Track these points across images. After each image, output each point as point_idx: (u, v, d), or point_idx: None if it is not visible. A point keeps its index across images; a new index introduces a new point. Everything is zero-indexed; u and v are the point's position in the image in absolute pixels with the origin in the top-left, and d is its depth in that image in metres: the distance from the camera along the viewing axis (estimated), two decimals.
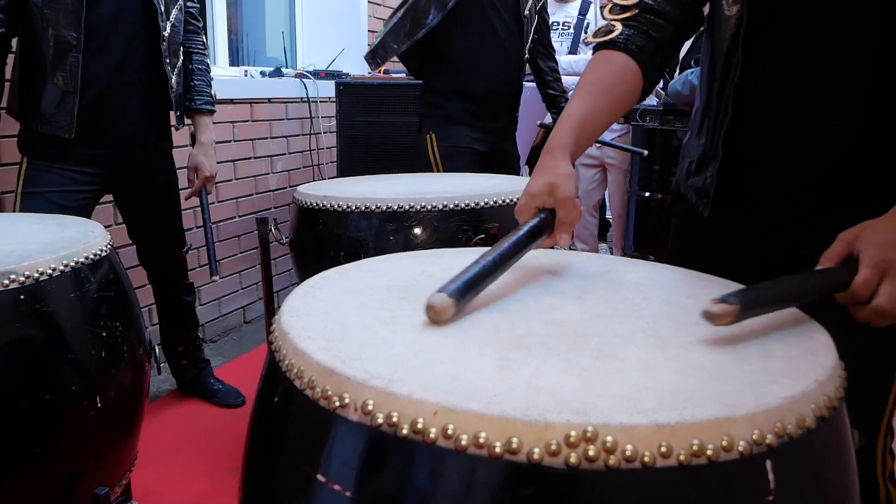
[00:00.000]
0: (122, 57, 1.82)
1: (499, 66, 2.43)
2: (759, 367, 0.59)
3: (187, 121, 2.08)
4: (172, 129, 2.06)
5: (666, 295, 0.80)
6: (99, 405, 1.12)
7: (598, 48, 1.04)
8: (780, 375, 0.57)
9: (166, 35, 1.87)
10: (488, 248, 0.82)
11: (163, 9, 1.86)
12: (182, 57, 2.00)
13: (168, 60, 1.90)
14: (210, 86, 2.11)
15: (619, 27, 1.02)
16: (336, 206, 1.58)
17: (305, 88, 3.23)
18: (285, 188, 3.23)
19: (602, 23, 1.08)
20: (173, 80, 1.93)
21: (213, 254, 2.15)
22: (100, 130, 1.81)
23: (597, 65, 1.03)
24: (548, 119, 2.88)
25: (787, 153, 1.00)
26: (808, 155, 0.98)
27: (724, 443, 0.50)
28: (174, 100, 1.95)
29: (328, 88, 3.26)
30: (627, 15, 1.02)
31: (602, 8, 1.16)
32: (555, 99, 2.68)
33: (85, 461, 1.14)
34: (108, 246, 1.22)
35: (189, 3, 2.03)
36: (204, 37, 2.12)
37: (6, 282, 0.99)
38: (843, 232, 0.77)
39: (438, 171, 2.41)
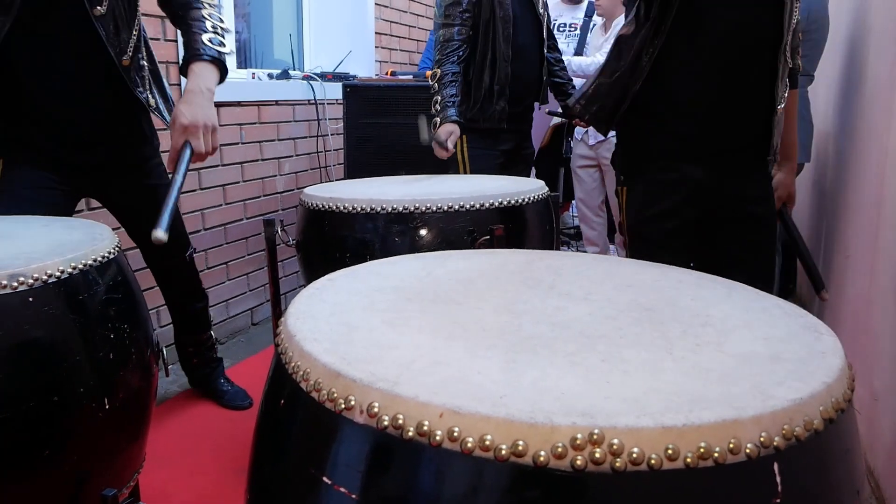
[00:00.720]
0: (63, 62, 1.67)
1: (528, 65, 2.53)
2: (767, 368, 0.59)
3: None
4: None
5: (673, 296, 0.80)
6: (107, 407, 1.12)
7: None
8: (788, 377, 0.57)
9: (98, 10, 1.64)
10: None
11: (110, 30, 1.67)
12: (137, 31, 1.78)
13: (136, 89, 1.76)
14: (216, 32, 1.75)
15: None
16: (342, 208, 1.58)
17: (312, 90, 3.24)
18: (293, 190, 3.24)
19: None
20: (152, 98, 1.82)
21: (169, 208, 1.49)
22: (53, 136, 1.73)
23: None
24: (556, 107, 2.98)
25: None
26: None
27: (731, 445, 0.50)
28: (142, 101, 1.80)
29: (335, 90, 3.27)
30: None
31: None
32: (562, 87, 2.76)
33: (93, 463, 1.14)
34: (116, 248, 1.22)
35: None
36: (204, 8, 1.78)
37: (15, 284, 1.00)
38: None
39: (465, 170, 2.49)
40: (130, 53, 1.75)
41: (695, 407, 0.52)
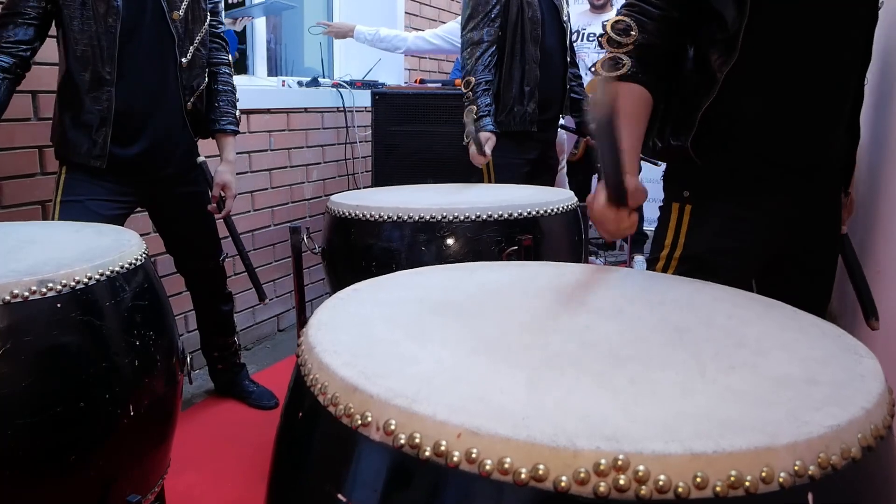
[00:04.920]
0: (146, 85, 1.85)
1: (554, 70, 2.48)
2: (802, 392, 0.56)
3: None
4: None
5: (707, 315, 0.77)
6: (132, 413, 1.12)
7: (611, 80, 1.17)
8: (825, 402, 0.54)
9: (184, 62, 1.90)
10: None
11: (182, 35, 1.88)
12: (206, 79, 2.03)
13: (184, 85, 1.92)
14: (235, 107, 2.12)
15: (626, 61, 1.17)
16: (369, 216, 1.57)
17: (341, 98, 3.25)
18: (320, 197, 3.25)
19: (600, 55, 1.24)
20: (190, 103, 1.95)
21: (256, 278, 2.18)
22: (129, 155, 1.85)
23: (624, 93, 1.15)
24: (569, 122, 2.86)
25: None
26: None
27: (764, 474, 0.48)
28: (189, 123, 1.98)
29: (364, 98, 3.28)
30: (628, 49, 1.17)
31: (599, 37, 1.27)
32: (578, 103, 2.68)
33: (118, 468, 1.14)
34: (143, 255, 1.22)
35: (213, 21, 2.05)
36: (229, 56, 2.14)
37: (44, 290, 1.00)
38: None
39: (490, 180, 2.44)
40: (189, 57, 1.93)
41: (726, 432, 0.50)
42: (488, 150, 2.23)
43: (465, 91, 2.40)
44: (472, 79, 2.36)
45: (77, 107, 1.78)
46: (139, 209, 2.05)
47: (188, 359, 1.39)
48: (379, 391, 0.56)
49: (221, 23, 2.12)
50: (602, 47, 1.22)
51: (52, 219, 1.80)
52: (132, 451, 1.17)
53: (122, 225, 1.87)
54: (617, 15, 1.22)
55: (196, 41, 1.93)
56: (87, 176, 1.81)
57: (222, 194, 2.05)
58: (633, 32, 1.17)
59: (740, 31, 1.14)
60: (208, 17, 1.98)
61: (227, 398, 2.36)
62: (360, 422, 0.56)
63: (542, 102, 2.44)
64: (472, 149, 2.22)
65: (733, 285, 0.96)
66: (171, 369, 1.27)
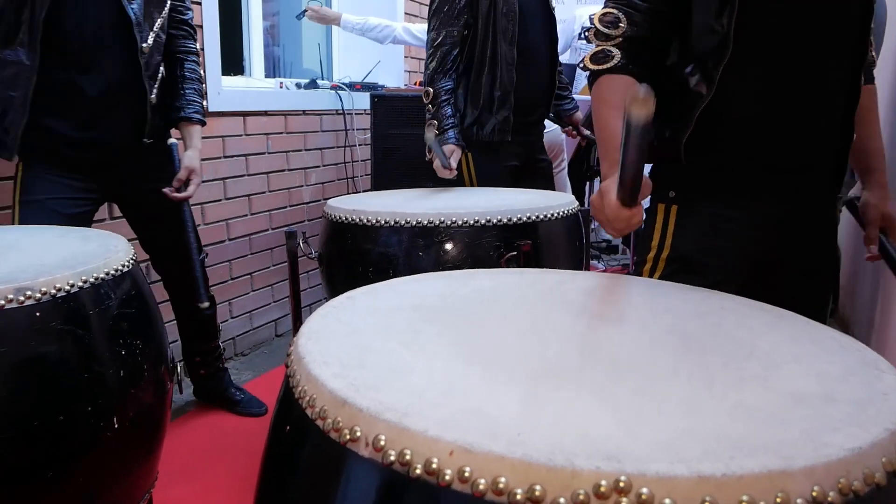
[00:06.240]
0: (98, 68, 1.76)
1: (537, 68, 2.28)
2: (820, 410, 0.53)
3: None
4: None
5: (715, 323, 0.74)
6: (116, 426, 1.08)
7: (600, 73, 1.15)
8: (845, 422, 0.51)
9: (145, 48, 1.82)
10: None
11: (140, 20, 1.80)
12: (170, 65, 1.95)
13: (147, 73, 1.84)
14: (202, 96, 2.04)
15: (615, 53, 1.14)
16: (366, 221, 1.54)
17: (340, 100, 3.23)
18: (319, 200, 3.22)
19: (589, 48, 1.18)
20: (153, 95, 1.88)
21: (200, 277, 1.98)
22: (84, 139, 1.78)
23: (616, 83, 1.13)
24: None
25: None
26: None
27: (778, 499, 0.44)
28: (149, 111, 1.88)
29: (363, 100, 3.25)
30: (616, 42, 1.15)
31: (587, 31, 1.22)
32: (560, 89, 2.50)
33: (101, 483, 1.10)
34: (131, 261, 1.18)
35: (178, 6, 1.97)
36: (196, 44, 2.06)
37: (21, 298, 0.96)
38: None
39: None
40: (150, 42, 1.85)
41: (736, 454, 0.46)
42: (453, 163, 2.03)
43: (425, 103, 2.18)
44: (431, 89, 2.15)
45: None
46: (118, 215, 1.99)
47: (178, 367, 1.36)
48: (369, 404, 0.53)
49: (189, 9, 2.03)
50: (589, 41, 1.19)
51: (13, 221, 1.72)
52: (116, 464, 1.13)
53: (90, 223, 1.82)
54: (603, 8, 1.19)
55: (156, 26, 1.85)
56: (44, 172, 1.72)
57: (190, 178, 1.95)
58: (621, 24, 1.15)
59: (730, 29, 1.11)
60: (168, 2, 1.91)
61: (214, 406, 2.30)
62: (348, 437, 0.52)
63: (521, 107, 2.20)
64: (436, 162, 2.04)
65: (721, 285, 0.95)
66: (159, 378, 1.23)
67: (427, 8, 2.26)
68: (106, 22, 1.75)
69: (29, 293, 0.97)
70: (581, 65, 1.21)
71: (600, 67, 1.14)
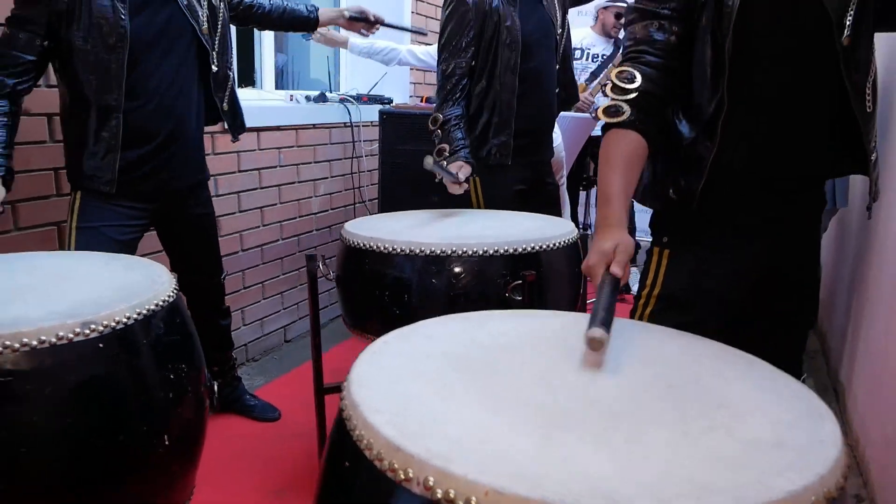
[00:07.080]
0: (171, 103, 1.92)
1: (540, 93, 2.37)
2: (771, 456, 0.68)
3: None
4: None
5: (695, 372, 0.89)
6: (167, 443, 1.21)
7: (610, 126, 1.26)
8: (787, 467, 0.66)
9: (215, 70, 1.99)
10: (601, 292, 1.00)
11: (210, 45, 1.97)
12: (232, 76, 2.14)
13: (216, 93, 2.03)
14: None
15: (626, 109, 1.25)
16: (382, 248, 1.69)
17: (349, 113, 3.36)
18: (327, 210, 3.36)
19: (605, 101, 1.28)
20: (225, 105, 2.07)
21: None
22: (145, 174, 1.92)
23: (620, 141, 1.25)
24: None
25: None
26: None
27: None
28: (226, 121, 2.10)
29: (370, 112, 3.38)
30: (630, 97, 1.24)
31: (603, 86, 1.34)
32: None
33: (149, 496, 1.22)
34: (174, 291, 1.30)
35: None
36: None
37: (87, 331, 1.08)
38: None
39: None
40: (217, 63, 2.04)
41: (703, 494, 0.61)
42: (462, 177, 2.09)
43: (432, 129, 2.23)
44: (440, 116, 2.23)
45: (83, 135, 1.82)
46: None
47: (214, 385, 1.49)
48: (419, 451, 0.67)
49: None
50: (605, 95, 1.30)
51: (68, 244, 1.86)
52: (164, 478, 1.25)
53: (136, 247, 1.96)
54: (619, 65, 1.31)
55: (216, 44, 2.01)
56: (100, 201, 1.86)
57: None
58: (637, 80, 1.26)
59: (722, 81, 1.24)
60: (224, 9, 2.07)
61: (229, 414, 2.41)
62: (402, 477, 0.67)
63: (525, 130, 2.30)
64: (446, 179, 2.10)
65: (704, 323, 1.11)
66: (199, 397, 1.35)
67: (431, 19, 2.38)
68: (173, 53, 1.92)
69: (93, 326, 1.08)
70: (594, 115, 1.35)
71: (611, 121, 1.26)
